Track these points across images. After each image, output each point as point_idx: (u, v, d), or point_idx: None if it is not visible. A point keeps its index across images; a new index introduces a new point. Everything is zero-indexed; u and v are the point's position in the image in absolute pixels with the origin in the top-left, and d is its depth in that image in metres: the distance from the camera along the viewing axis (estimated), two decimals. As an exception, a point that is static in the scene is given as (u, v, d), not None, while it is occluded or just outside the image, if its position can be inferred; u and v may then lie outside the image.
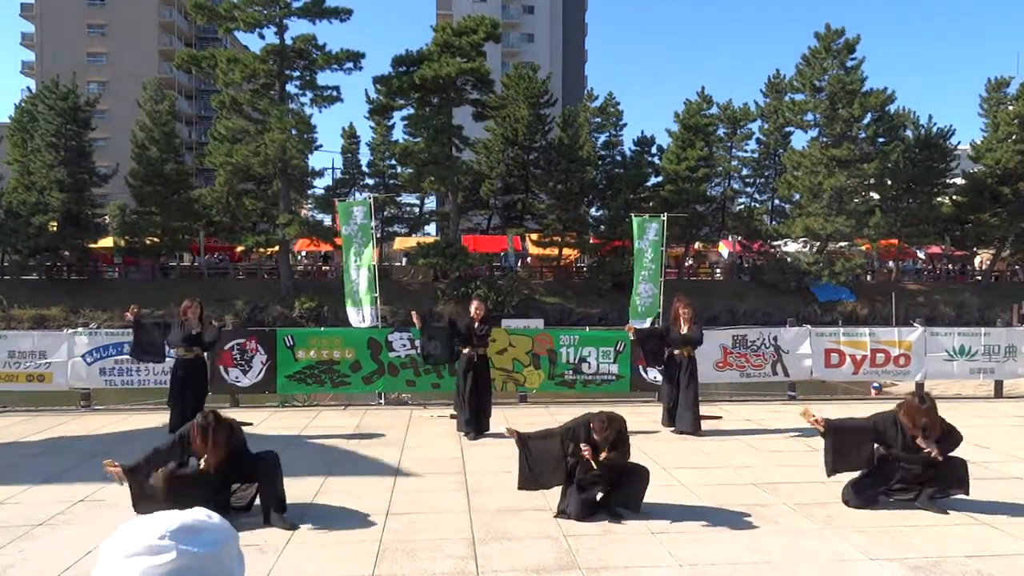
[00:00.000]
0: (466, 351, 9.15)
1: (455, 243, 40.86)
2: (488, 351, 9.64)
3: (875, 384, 14.36)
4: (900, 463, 6.03)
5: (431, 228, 51.41)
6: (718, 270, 50.58)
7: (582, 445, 5.66)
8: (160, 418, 10.09)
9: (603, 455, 5.69)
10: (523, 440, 5.89)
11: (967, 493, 6.01)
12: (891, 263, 49.01)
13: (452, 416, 9.65)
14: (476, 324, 9.17)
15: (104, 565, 1.16)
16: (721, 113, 46.92)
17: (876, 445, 6.18)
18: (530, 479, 5.92)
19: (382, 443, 8.74)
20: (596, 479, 5.79)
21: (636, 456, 6.55)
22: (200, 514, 1.21)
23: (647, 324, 11.84)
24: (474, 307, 9.28)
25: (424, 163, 39.68)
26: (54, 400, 11.74)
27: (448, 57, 39.57)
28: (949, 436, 6.04)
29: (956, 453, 6.12)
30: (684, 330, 9.23)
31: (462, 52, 40.09)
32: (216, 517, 1.23)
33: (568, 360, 11.41)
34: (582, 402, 10.89)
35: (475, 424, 8.98)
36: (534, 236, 45.08)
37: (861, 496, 6.12)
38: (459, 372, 9.28)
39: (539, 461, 5.89)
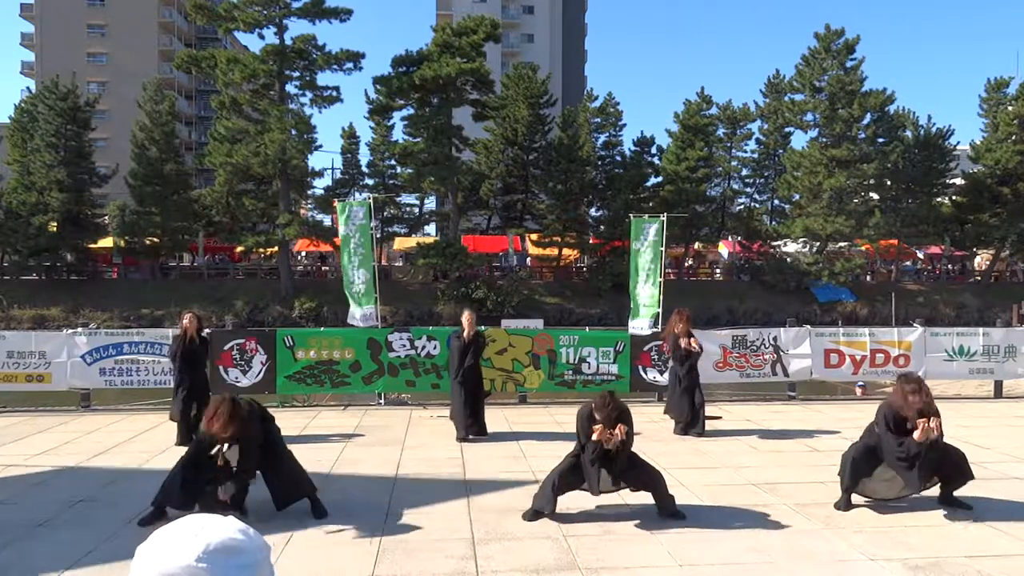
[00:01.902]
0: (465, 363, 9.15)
1: (455, 243, 40.85)
2: (488, 351, 9.65)
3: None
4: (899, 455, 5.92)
5: (431, 228, 51.41)
6: (718, 270, 50.58)
7: (595, 428, 5.63)
8: (160, 418, 10.10)
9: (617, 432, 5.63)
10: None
11: (972, 477, 5.99)
12: (891, 263, 49.01)
13: (451, 417, 9.65)
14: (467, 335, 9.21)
15: None
16: (721, 113, 46.90)
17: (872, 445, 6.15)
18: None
19: (382, 443, 8.74)
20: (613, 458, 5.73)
21: (636, 456, 6.56)
22: (236, 531, 1.19)
23: (647, 324, 11.84)
24: (465, 317, 9.32)
25: (424, 163, 39.66)
26: (54, 400, 11.75)
27: (448, 57, 39.57)
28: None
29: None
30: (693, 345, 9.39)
31: (462, 52, 40.08)
32: (251, 532, 1.21)
33: (568, 360, 11.42)
34: (582, 402, 10.90)
35: (476, 426, 9.00)
36: (534, 236, 45.07)
37: (855, 479, 6.09)
38: (455, 383, 9.31)
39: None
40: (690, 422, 9.17)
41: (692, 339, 9.38)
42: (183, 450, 6.01)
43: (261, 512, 5.86)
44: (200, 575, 1.12)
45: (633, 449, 5.93)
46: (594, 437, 5.62)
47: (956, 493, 6.15)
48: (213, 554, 1.14)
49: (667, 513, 5.79)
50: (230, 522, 1.22)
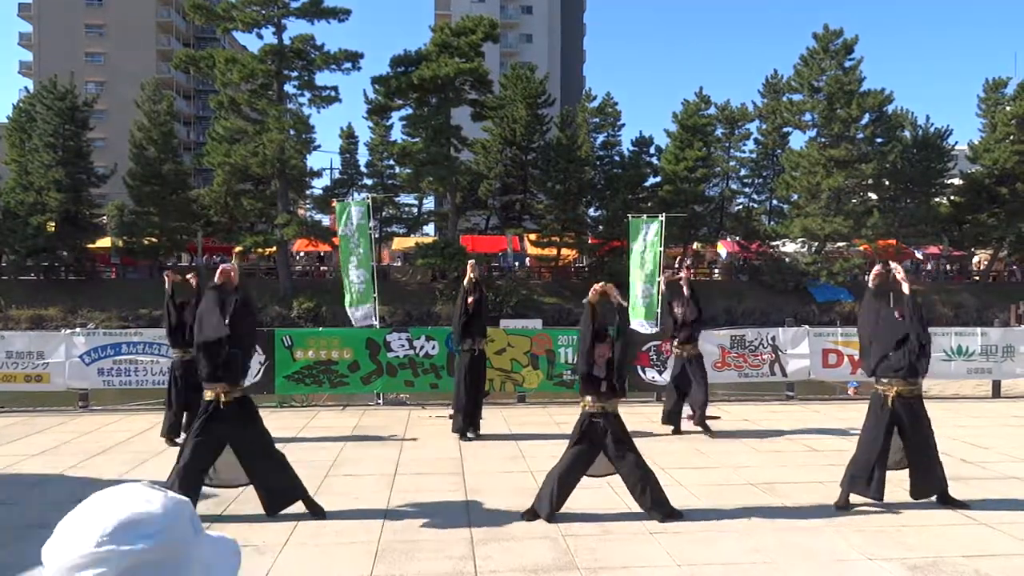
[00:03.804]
0: (467, 345, 9.16)
1: (453, 243, 40.84)
2: (486, 351, 9.65)
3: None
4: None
5: (429, 228, 51.39)
6: (716, 270, 50.62)
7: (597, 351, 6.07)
8: (158, 418, 10.07)
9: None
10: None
11: (940, 489, 6.14)
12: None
13: (450, 416, 9.64)
14: (469, 299, 9.18)
15: None
16: (719, 113, 46.91)
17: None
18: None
19: (380, 443, 8.74)
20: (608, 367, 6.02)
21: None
22: (137, 501, 1.11)
23: (647, 325, 11.84)
24: (469, 264, 9.48)
25: (422, 163, 39.66)
26: (52, 400, 11.73)
27: (446, 57, 39.57)
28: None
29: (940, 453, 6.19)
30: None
31: (460, 52, 40.08)
32: (157, 496, 1.11)
33: (567, 360, 11.40)
34: (580, 402, 10.89)
35: (471, 423, 9.01)
36: (532, 236, 45.08)
37: (864, 486, 6.02)
38: (459, 367, 9.31)
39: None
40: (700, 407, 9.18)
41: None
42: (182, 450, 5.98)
43: (258, 512, 5.86)
44: (106, 558, 1.04)
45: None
46: (596, 288, 6.22)
47: (953, 493, 6.17)
48: (113, 534, 1.06)
49: (662, 513, 5.79)
50: (134, 492, 1.13)
